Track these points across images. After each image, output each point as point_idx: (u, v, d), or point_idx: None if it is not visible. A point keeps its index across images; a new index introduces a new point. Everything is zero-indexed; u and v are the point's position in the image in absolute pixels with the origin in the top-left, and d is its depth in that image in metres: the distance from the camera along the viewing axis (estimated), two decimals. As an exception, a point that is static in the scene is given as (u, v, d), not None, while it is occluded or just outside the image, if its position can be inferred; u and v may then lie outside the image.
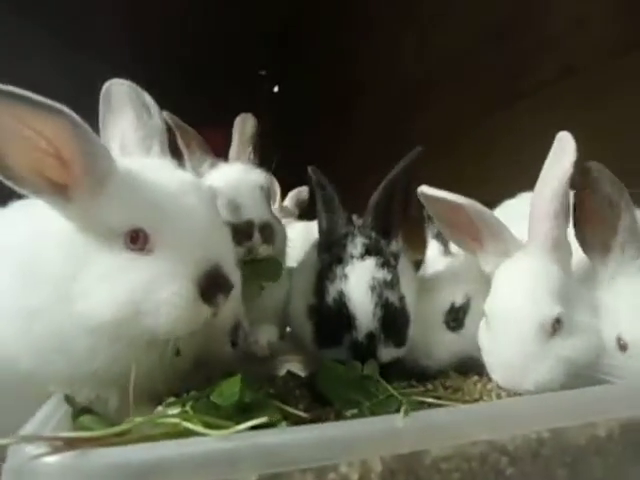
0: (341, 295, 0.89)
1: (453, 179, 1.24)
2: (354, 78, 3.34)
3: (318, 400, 0.85)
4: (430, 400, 0.82)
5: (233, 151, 1.19)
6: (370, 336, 0.88)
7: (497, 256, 0.95)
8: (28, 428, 0.60)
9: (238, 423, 0.64)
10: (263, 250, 1.01)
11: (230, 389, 0.66)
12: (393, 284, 0.91)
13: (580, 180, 0.88)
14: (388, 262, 0.93)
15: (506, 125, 1.90)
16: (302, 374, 0.99)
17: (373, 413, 0.75)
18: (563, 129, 0.88)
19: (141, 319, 0.70)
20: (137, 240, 0.72)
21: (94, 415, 0.68)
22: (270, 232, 1.04)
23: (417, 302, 1.00)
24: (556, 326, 0.85)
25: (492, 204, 1.09)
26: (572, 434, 0.68)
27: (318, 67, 4.04)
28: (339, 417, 0.78)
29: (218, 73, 4.72)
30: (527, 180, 0.95)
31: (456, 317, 1.04)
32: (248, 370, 1.02)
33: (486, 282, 0.95)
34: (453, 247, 1.15)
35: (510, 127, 1.86)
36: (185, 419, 0.56)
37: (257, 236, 1.00)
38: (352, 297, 0.89)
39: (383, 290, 0.89)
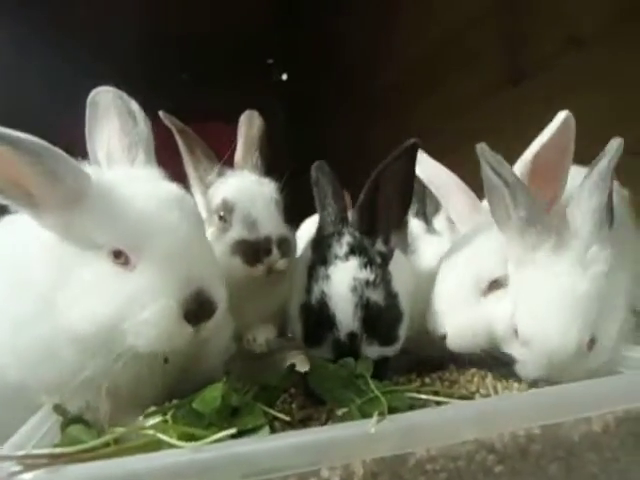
0: (323, 295, 0.89)
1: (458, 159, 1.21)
2: (359, 62, 3.28)
3: (312, 398, 0.85)
4: (424, 396, 0.81)
5: (239, 154, 1.15)
6: (352, 335, 0.88)
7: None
8: (15, 441, 0.62)
9: (222, 429, 0.65)
10: (281, 265, 1.02)
11: (212, 395, 0.66)
12: (376, 283, 0.89)
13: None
14: (373, 261, 0.91)
15: (510, 104, 1.83)
16: (303, 369, 1.00)
17: (362, 412, 0.74)
18: (571, 106, 0.85)
19: (123, 335, 0.71)
20: (120, 256, 0.73)
21: (83, 425, 0.68)
22: (287, 246, 1.04)
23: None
24: (493, 286, 0.89)
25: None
26: (564, 430, 0.66)
27: (324, 53, 3.98)
28: (330, 416, 0.78)
29: (224, 64, 4.69)
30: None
31: None
32: (247, 367, 1.04)
33: None
34: (436, 224, 1.17)
35: (514, 106, 1.80)
36: (162, 430, 0.56)
37: (275, 252, 1.00)
38: (333, 297, 0.88)
39: (365, 290, 0.88)
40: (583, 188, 0.82)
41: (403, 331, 0.93)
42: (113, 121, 0.88)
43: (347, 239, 0.94)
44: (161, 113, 1.07)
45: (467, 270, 0.94)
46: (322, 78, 4.08)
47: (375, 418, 0.56)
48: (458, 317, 0.92)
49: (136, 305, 0.70)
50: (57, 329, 0.72)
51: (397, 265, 0.96)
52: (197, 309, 0.73)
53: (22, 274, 0.75)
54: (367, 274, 0.89)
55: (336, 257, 0.92)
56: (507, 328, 0.86)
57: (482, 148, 0.85)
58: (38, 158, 0.67)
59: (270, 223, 1.02)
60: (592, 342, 0.79)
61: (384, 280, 0.91)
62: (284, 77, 5.65)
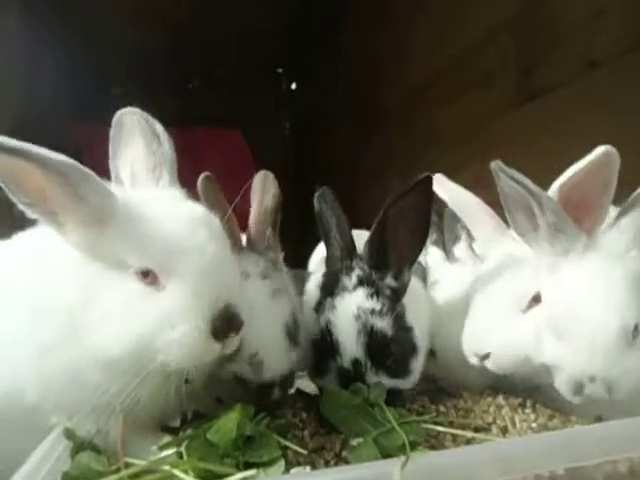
0: (328, 324, 0.89)
1: (470, 177, 1.20)
2: (370, 76, 3.28)
3: (324, 424, 0.83)
4: (441, 428, 0.80)
5: (253, 228, 0.97)
6: (355, 362, 0.86)
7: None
8: (26, 469, 0.60)
9: (236, 460, 0.64)
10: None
11: (227, 425, 0.65)
12: (383, 313, 0.88)
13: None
14: (380, 293, 0.89)
15: (523, 124, 1.82)
16: (312, 391, 0.98)
17: (378, 444, 0.73)
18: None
19: (152, 354, 0.70)
20: (148, 275, 0.72)
21: (93, 451, 0.67)
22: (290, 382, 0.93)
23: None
24: (532, 303, 0.87)
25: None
26: (589, 471, 0.64)
27: (334, 65, 3.99)
28: (344, 446, 0.77)
29: (234, 72, 4.72)
30: (548, 178, 0.88)
31: None
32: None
33: None
34: (457, 252, 1.14)
35: (527, 125, 1.79)
36: (177, 466, 0.55)
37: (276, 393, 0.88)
38: (337, 325, 0.88)
39: (369, 318, 0.87)
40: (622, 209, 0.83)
41: (418, 365, 0.91)
42: (138, 142, 0.87)
43: (357, 272, 0.92)
44: (202, 177, 0.91)
45: (506, 289, 0.92)
46: (331, 89, 4.08)
47: (400, 461, 0.55)
48: (502, 335, 0.89)
49: (166, 325, 0.69)
50: (83, 353, 0.70)
51: (413, 299, 0.94)
52: (224, 324, 0.72)
53: (46, 296, 0.74)
54: (373, 304, 0.88)
55: (344, 289, 0.91)
56: (541, 334, 0.84)
57: (497, 164, 0.84)
58: (66, 178, 0.67)
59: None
60: (637, 330, 0.75)
61: (394, 312, 0.88)
62: (293, 86, 5.67)
